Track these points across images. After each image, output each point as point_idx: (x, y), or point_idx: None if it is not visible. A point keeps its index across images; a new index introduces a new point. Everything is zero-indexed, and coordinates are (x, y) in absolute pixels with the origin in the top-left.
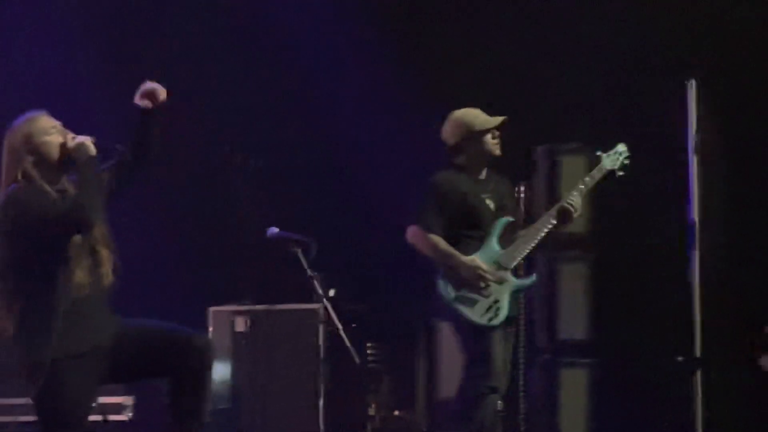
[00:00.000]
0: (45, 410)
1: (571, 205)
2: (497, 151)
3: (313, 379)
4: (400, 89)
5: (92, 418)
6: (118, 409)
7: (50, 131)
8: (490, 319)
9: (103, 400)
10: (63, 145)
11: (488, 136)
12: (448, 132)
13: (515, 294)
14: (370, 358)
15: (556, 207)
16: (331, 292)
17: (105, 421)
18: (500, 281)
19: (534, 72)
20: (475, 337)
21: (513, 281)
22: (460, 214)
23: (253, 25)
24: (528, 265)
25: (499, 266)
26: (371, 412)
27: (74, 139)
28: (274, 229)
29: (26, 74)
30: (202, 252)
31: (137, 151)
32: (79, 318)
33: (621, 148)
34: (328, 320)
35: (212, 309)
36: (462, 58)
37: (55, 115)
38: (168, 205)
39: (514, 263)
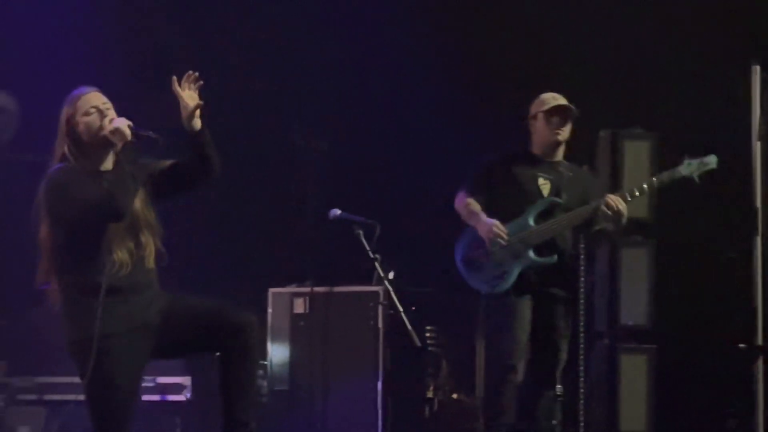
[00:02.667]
0: (92, 389)
1: (610, 208)
2: (555, 137)
3: (372, 362)
4: (465, 74)
5: (150, 398)
6: (177, 389)
7: (90, 112)
8: (493, 287)
9: (161, 380)
10: (100, 128)
11: (544, 120)
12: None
13: (528, 269)
14: (429, 342)
15: (595, 204)
16: (392, 275)
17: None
18: (516, 252)
19: (599, 57)
20: (495, 310)
21: (530, 257)
22: (502, 188)
23: (322, 12)
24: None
25: (523, 241)
26: (430, 395)
27: (111, 122)
28: (336, 211)
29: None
30: (263, 233)
31: (196, 169)
32: (124, 297)
33: (711, 159)
34: (389, 302)
35: (272, 290)
36: (527, 43)
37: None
38: (231, 186)
39: (539, 242)
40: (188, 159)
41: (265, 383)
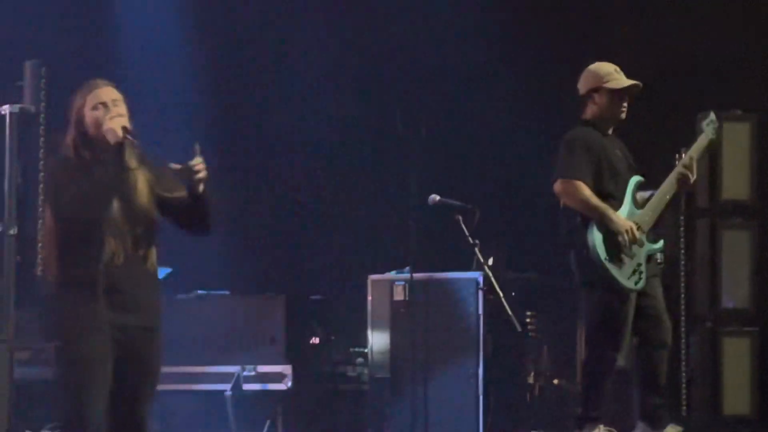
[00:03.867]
0: (58, 372)
1: (688, 169)
2: (621, 114)
3: (473, 348)
4: (557, 58)
5: (251, 387)
6: (278, 378)
7: (98, 107)
8: (636, 282)
9: (262, 369)
10: (97, 124)
11: (611, 96)
12: (581, 82)
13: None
14: (530, 327)
15: (676, 172)
16: (491, 261)
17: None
18: (641, 244)
19: (698, 39)
20: (616, 301)
21: (648, 245)
22: (601, 168)
23: None
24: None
25: (638, 228)
26: (531, 380)
27: (110, 120)
28: (436, 197)
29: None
30: (364, 220)
31: (191, 221)
32: (104, 292)
33: (713, 116)
34: (489, 288)
35: (372, 277)
36: (619, 26)
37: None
38: (333, 174)
39: (648, 227)
40: (187, 208)
41: (365, 370)
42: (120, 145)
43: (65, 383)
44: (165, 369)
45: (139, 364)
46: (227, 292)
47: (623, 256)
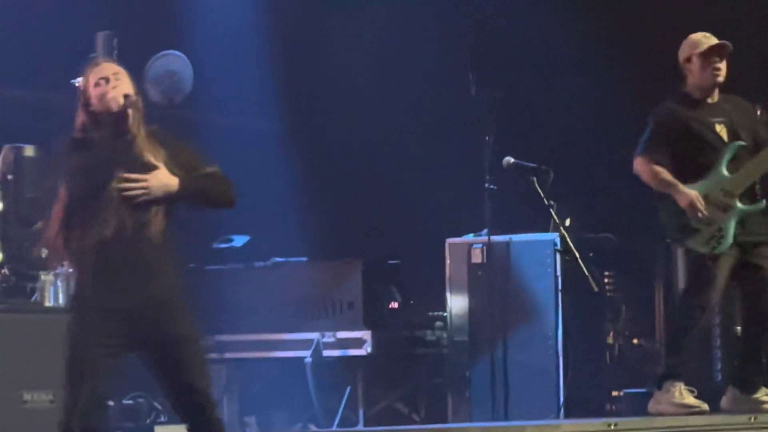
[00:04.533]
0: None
1: None
2: (715, 78)
3: (551, 309)
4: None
5: (331, 353)
6: (358, 343)
7: (99, 83)
8: (713, 248)
9: (341, 335)
10: (102, 99)
11: (701, 62)
12: (679, 55)
13: (742, 220)
14: (608, 287)
15: None
16: (568, 221)
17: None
18: (727, 208)
19: None
20: (700, 264)
21: (738, 207)
22: (684, 142)
23: None
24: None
25: (726, 193)
26: (610, 340)
27: (112, 89)
28: (510, 159)
29: None
30: (440, 184)
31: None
32: (106, 266)
33: None
34: (566, 249)
35: (449, 241)
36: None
37: None
38: (408, 138)
39: (741, 190)
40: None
41: (444, 334)
42: (122, 113)
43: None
44: (244, 337)
45: (163, 341)
46: (304, 259)
47: (696, 224)
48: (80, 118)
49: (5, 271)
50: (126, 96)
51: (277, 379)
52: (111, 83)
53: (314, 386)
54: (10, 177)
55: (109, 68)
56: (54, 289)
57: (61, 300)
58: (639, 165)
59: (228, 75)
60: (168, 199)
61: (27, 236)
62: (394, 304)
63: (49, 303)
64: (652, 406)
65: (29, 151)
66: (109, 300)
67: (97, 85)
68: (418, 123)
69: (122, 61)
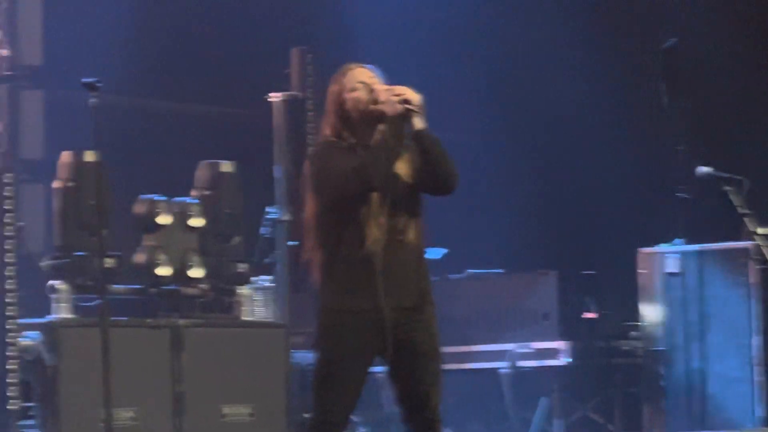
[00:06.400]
0: (315, 361)
1: None
2: None
3: (746, 318)
4: None
5: (527, 363)
6: (553, 354)
7: (357, 87)
8: None
9: (536, 345)
10: (366, 103)
11: None
12: None
13: None
14: None
15: None
16: (763, 230)
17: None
18: None
19: None
20: None
21: None
22: None
23: None
24: None
25: None
26: None
27: (384, 93)
28: (703, 168)
29: None
30: (632, 193)
31: (430, 178)
32: (366, 274)
33: None
34: (761, 258)
35: (641, 250)
36: None
37: None
38: (598, 147)
39: None
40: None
41: (639, 344)
42: (400, 117)
43: (314, 375)
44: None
45: (413, 350)
46: (500, 271)
47: None
48: (330, 124)
49: (204, 285)
50: (404, 101)
51: (471, 391)
52: (371, 88)
53: (510, 397)
54: (207, 193)
55: (365, 72)
56: (251, 303)
57: (257, 314)
58: None
59: (419, 87)
60: (417, 137)
61: (225, 251)
62: (589, 314)
63: (246, 317)
64: None
65: (226, 167)
66: (374, 307)
67: (353, 89)
68: (612, 133)
69: (317, 76)
